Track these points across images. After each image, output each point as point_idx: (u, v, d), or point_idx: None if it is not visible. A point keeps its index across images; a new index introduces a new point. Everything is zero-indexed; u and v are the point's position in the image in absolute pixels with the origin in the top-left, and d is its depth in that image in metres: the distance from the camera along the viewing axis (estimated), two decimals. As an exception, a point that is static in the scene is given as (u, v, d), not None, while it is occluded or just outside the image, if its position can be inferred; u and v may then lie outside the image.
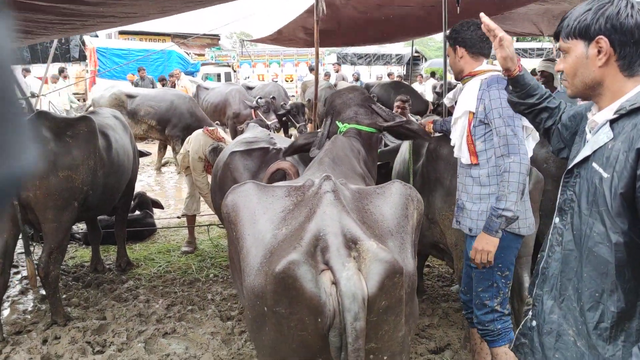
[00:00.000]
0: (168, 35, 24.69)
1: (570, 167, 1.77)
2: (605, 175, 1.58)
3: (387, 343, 1.90)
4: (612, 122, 1.62)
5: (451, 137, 3.15)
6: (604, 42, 1.61)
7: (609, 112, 1.66)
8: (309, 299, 1.74)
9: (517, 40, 29.14)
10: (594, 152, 1.65)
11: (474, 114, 2.90)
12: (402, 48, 27.30)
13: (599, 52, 1.63)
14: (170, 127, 10.43)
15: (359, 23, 8.50)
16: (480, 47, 3.02)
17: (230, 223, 2.15)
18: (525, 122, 2.89)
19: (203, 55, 23.98)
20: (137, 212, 6.85)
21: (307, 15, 8.09)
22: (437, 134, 3.71)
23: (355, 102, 3.38)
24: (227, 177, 3.91)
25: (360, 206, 2.09)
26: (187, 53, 20.53)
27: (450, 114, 8.73)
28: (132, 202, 6.23)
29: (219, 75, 20.77)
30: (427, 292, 4.98)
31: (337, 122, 3.33)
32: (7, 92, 0.62)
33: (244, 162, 3.86)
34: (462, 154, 3.00)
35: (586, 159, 1.68)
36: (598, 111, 1.74)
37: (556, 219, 1.82)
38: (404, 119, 3.47)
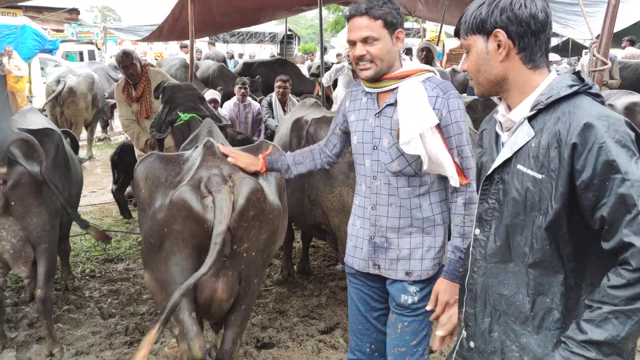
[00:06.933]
0: (19, 7, 22.37)
1: (489, 173, 1.67)
2: (539, 176, 1.50)
3: (254, 243, 2.71)
4: (530, 119, 1.56)
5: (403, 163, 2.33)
6: (501, 34, 1.56)
7: (524, 109, 1.59)
8: (195, 214, 2.52)
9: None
10: (515, 153, 1.57)
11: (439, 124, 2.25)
12: (274, 26, 27.20)
13: (499, 45, 1.58)
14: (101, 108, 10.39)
15: (231, 8, 8.47)
16: None
17: (142, 183, 2.85)
18: None
19: (62, 31, 22.04)
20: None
21: (181, 7, 7.94)
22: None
23: (193, 98, 4.30)
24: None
25: None
26: (43, 29, 18.78)
27: (327, 95, 8.92)
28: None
29: (81, 54, 19.29)
30: (313, 273, 5.10)
31: (178, 111, 4.13)
32: None
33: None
34: (446, 174, 2.25)
35: (507, 162, 1.60)
36: (509, 110, 1.66)
37: (476, 231, 1.72)
38: (229, 123, 4.39)
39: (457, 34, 1.72)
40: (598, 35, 2.84)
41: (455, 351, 1.83)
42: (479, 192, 1.73)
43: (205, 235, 2.52)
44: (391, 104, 2.30)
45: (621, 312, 1.37)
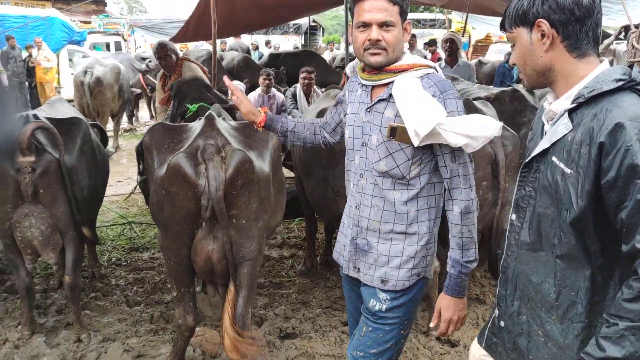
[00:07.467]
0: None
1: (527, 160, 1.67)
2: (568, 171, 1.49)
3: (244, 211, 2.93)
4: (571, 111, 1.53)
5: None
6: (544, 24, 1.53)
7: (566, 101, 1.56)
8: (189, 179, 2.78)
9: (410, 11, 30.01)
10: (553, 144, 1.56)
11: None
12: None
13: (542, 35, 1.55)
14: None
15: (256, 8, 8.44)
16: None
17: (149, 150, 3.18)
18: None
19: (90, 23, 22.34)
20: None
21: (205, 4, 7.91)
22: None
23: (198, 88, 4.53)
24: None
25: (232, 131, 3.18)
26: (71, 20, 19.03)
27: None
28: None
29: (108, 45, 19.54)
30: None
31: (186, 103, 4.30)
32: None
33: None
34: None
35: (545, 152, 1.60)
36: (555, 99, 1.64)
37: (512, 216, 1.73)
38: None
39: (502, 27, 1.69)
40: (637, 25, 2.74)
41: (488, 328, 1.88)
42: (518, 177, 1.73)
43: (196, 200, 2.81)
44: (383, 99, 2.13)
45: (637, 328, 1.35)
